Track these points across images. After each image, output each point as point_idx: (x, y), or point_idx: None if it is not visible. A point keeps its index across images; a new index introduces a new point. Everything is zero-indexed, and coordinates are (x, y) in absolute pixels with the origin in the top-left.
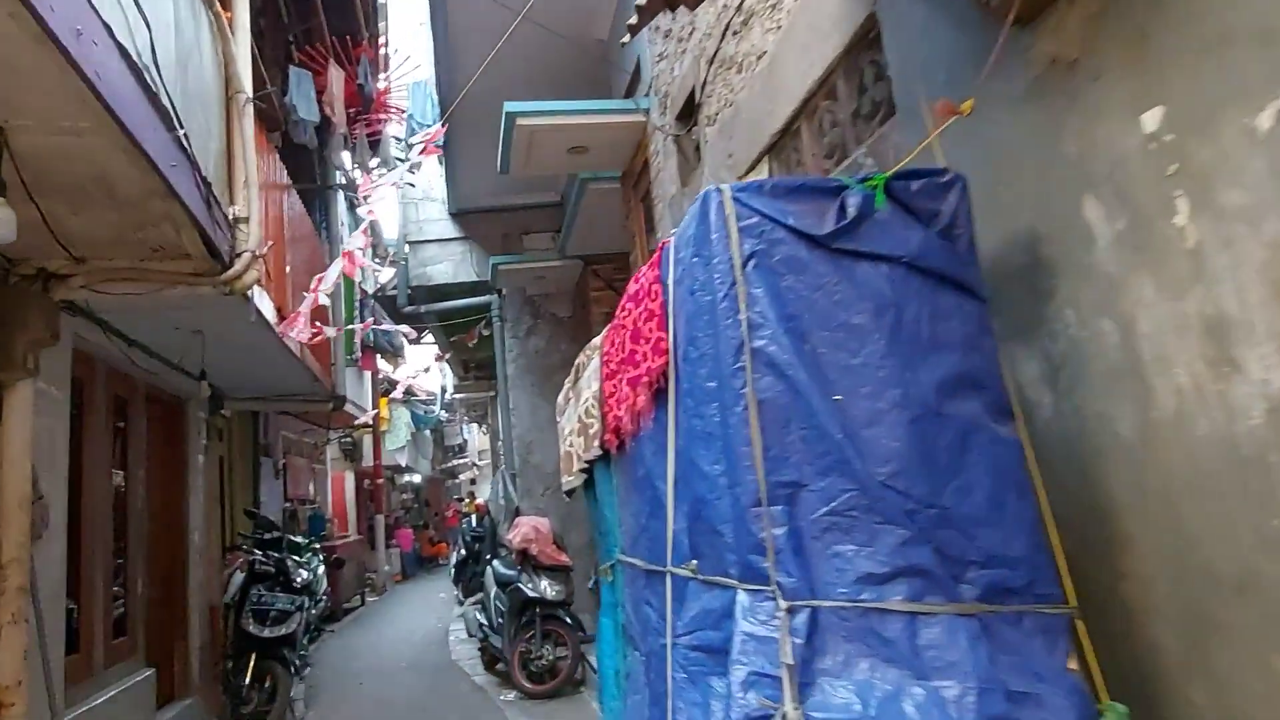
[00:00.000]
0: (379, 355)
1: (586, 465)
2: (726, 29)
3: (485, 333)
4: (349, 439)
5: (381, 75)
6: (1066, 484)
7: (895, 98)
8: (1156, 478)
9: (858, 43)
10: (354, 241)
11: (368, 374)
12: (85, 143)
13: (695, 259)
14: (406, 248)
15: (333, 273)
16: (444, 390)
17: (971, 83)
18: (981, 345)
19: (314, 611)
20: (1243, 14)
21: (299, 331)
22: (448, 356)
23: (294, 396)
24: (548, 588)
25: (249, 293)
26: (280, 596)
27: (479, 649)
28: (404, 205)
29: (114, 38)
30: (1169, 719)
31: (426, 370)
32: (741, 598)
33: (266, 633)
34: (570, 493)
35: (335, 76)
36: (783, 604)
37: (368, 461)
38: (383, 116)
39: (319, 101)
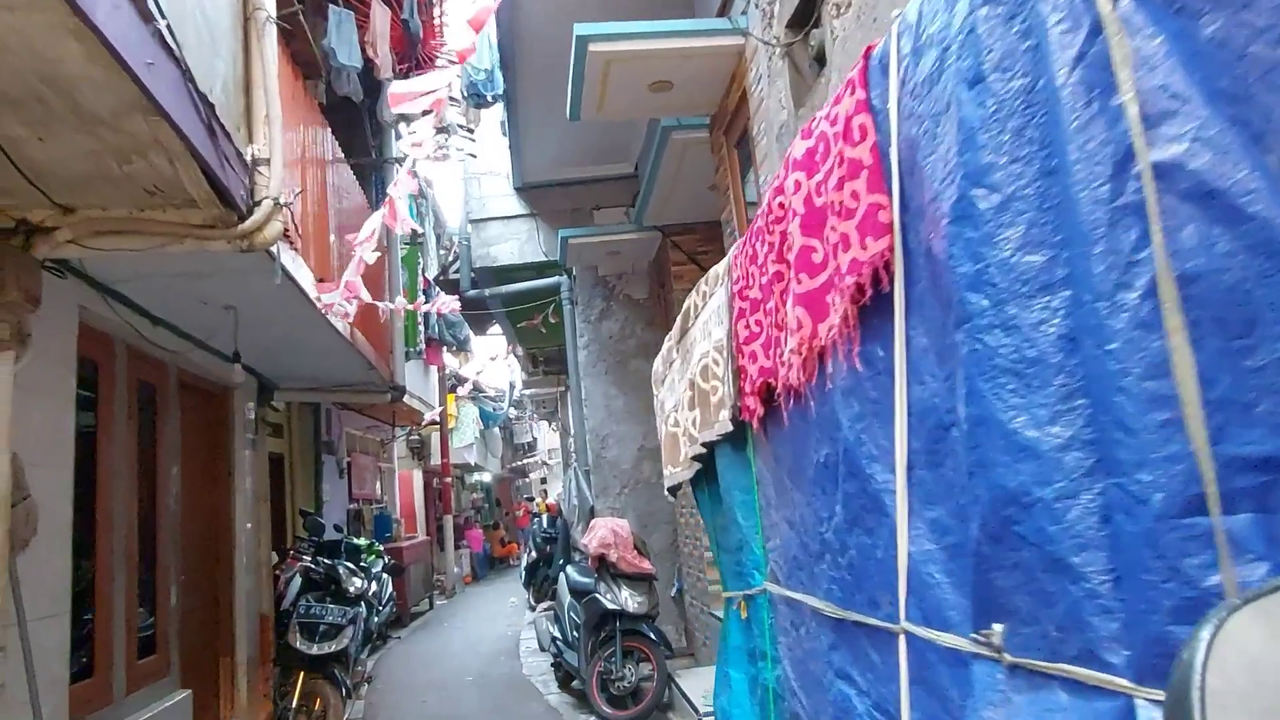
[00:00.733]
0: (444, 349)
1: (702, 450)
2: None
3: (554, 320)
4: (416, 437)
5: (435, 12)
6: None
7: None
8: None
9: None
10: (400, 188)
11: (433, 369)
12: (18, 21)
13: (981, 18)
14: (469, 226)
15: (371, 224)
16: (512, 386)
17: None
18: None
19: (376, 620)
20: None
21: (337, 300)
22: (515, 350)
23: (348, 386)
24: (629, 599)
25: (274, 251)
26: (331, 609)
27: (552, 664)
28: (465, 181)
29: None
30: None
31: (494, 359)
32: None
33: (315, 649)
34: (676, 489)
35: (379, 13)
36: None
37: (435, 460)
38: (437, 53)
39: (361, 45)
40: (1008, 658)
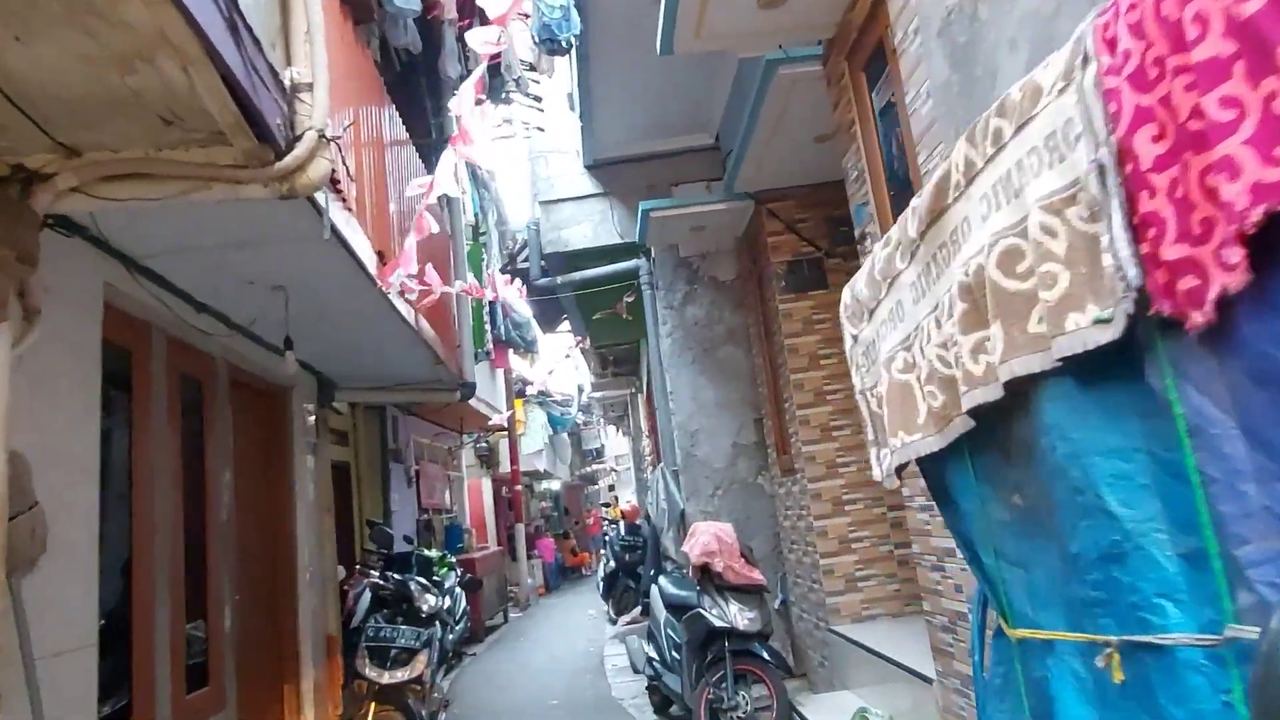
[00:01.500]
0: (511, 351)
1: (995, 394)
2: None
3: (629, 301)
4: (484, 443)
5: None
6: None
7: None
8: None
9: None
10: (463, 99)
11: (500, 373)
12: None
13: None
14: (537, 209)
15: (444, 168)
16: (580, 390)
17: None
18: None
19: (451, 638)
20: None
21: (403, 280)
22: (585, 344)
23: (415, 385)
24: (739, 614)
25: (320, 201)
26: (404, 630)
27: (648, 687)
28: (532, 160)
29: None
30: None
31: (568, 356)
32: None
33: (386, 677)
34: (902, 469)
35: None
36: None
37: (504, 468)
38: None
39: None
40: None
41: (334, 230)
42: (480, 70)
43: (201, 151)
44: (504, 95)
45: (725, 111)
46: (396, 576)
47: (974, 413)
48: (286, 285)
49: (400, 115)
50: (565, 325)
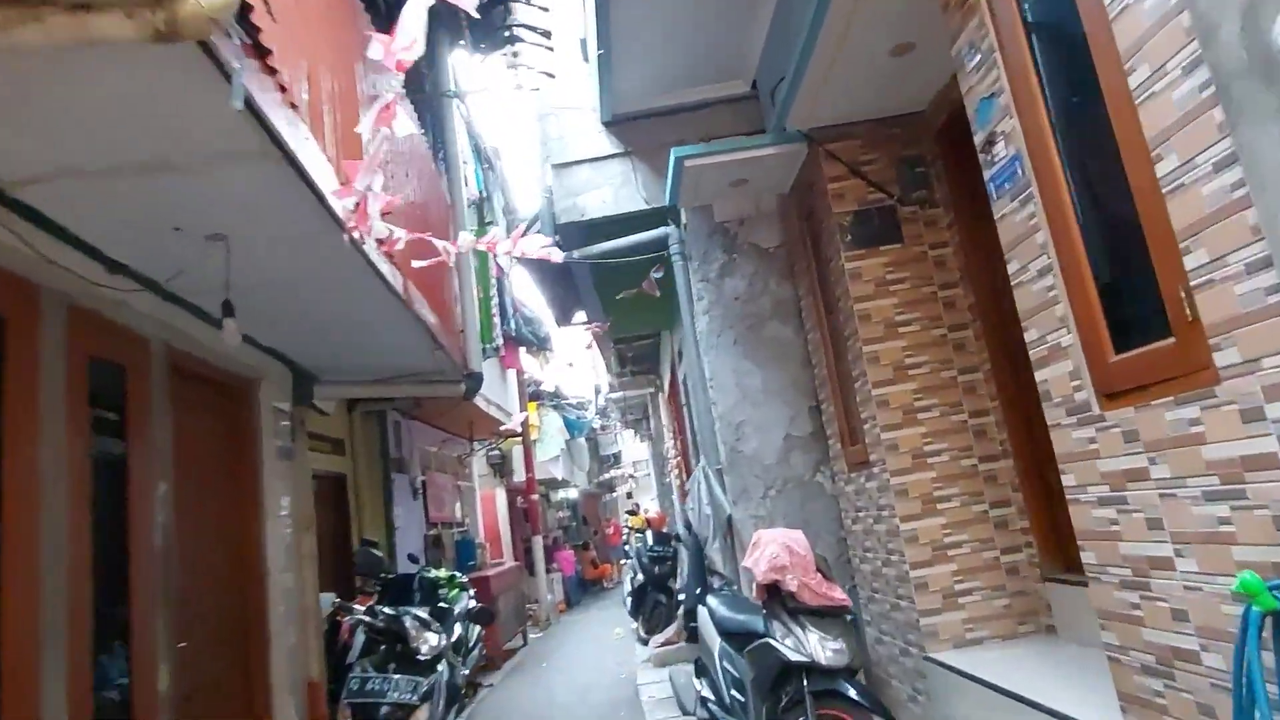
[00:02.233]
0: (522, 349)
1: None
2: None
3: (657, 277)
4: (496, 451)
5: None
6: None
7: None
8: None
9: None
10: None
11: (512, 374)
12: None
13: None
14: (549, 174)
15: (413, 13)
16: (597, 391)
17: None
18: None
19: (463, 672)
20: None
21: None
22: (604, 329)
23: (412, 376)
24: (821, 645)
25: (225, 57)
26: (397, 681)
27: None
28: (541, 119)
29: None
30: None
31: (590, 346)
32: None
33: None
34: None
35: None
36: None
37: (519, 477)
38: None
39: None
40: None
41: (275, 139)
42: None
43: None
44: (505, 31)
45: (766, 45)
46: (388, 611)
47: None
48: (226, 233)
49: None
50: (581, 318)
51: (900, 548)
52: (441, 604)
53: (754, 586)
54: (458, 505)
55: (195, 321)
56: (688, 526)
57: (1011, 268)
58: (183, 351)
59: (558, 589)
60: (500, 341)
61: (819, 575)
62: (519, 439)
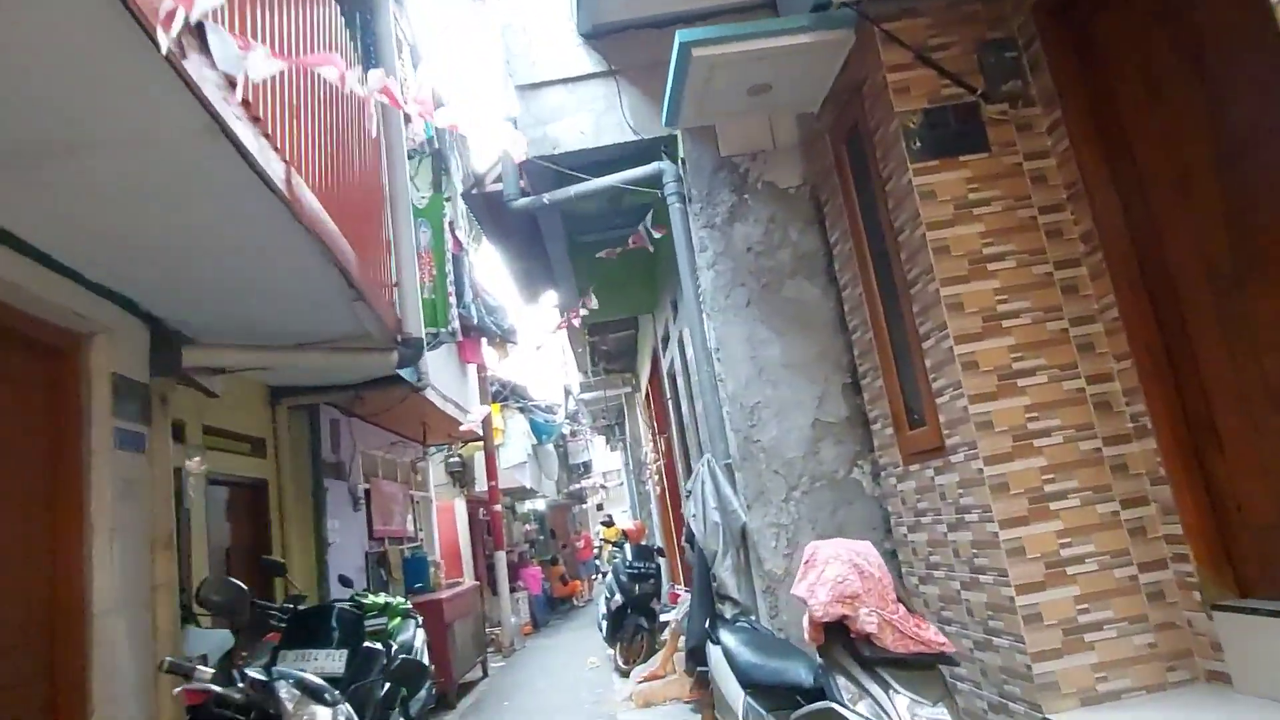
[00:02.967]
0: (484, 341)
1: None
2: None
3: (649, 230)
4: (456, 458)
5: None
6: None
7: None
8: None
9: None
10: None
11: (472, 370)
12: None
13: None
14: (514, 97)
15: None
16: (567, 393)
17: None
18: None
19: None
20: None
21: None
22: (580, 310)
23: (325, 341)
24: (912, 715)
25: None
26: None
27: None
28: (504, 32)
29: None
30: None
31: (560, 327)
32: None
33: None
34: None
35: None
36: None
37: (481, 486)
38: None
39: None
40: None
41: None
42: None
43: None
44: None
45: None
46: (255, 675)
47: None
48: None
49: None
50: (552, 299)
51: (998, 563)
52: (371, 643)
53: (806, 623)
54: (409, 517)
55: None
56: (690, 540)
57: None
58: None
59: (524, 609)
60: (456, 325)
61: (902, 607)
62: (480, 443)
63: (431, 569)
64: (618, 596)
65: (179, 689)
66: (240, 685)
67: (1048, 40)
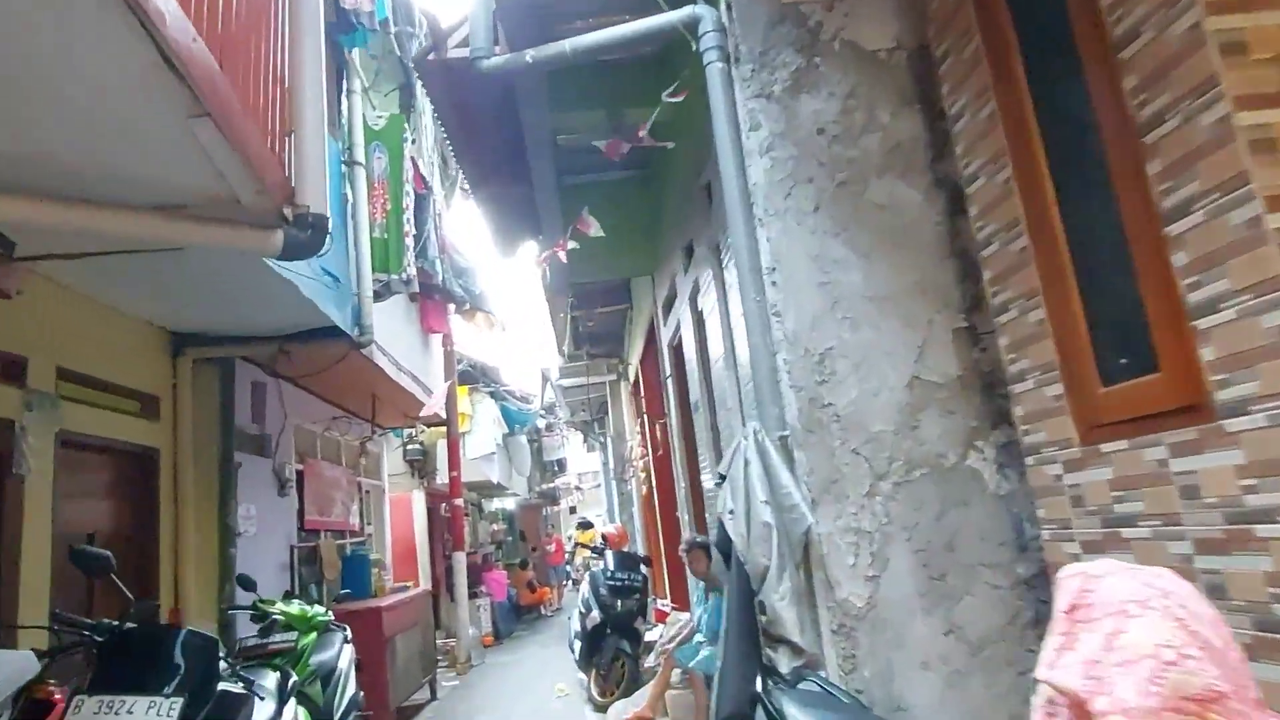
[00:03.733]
0: (450, 308)
1: None
2: None
3: (674, 99)
4: (416, 444)
5: None
6: None
7: None
8: None
9: None
10: None
11: (435, 341)
12: None
13: None
14: None
15: None
16: (545, 380)
17: None
18: None
19: None
20: None
21: None
22: (570, 247)
23: (157, 201)
24: None
25: None
26: None
27: None
28: None
29: None
30: None
31: (541, 262)
32: None
33: None
34: None
35: None
36: None
37: (443, 479)
38: None
39: None
40: None
41: None
42: None
43: None
44: None
45: None
46: None
47: None
48: None
49: None
50: (532, 250)
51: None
52: (233, 685)
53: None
54: (354, 508)
55: None
56: (723, 549)
57: None
58: None
59: (485, 618)
60: (412, 274)
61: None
62: (443, 429)
63: (374, 572)
64: (595, 612)
65: None
66: None
67: None
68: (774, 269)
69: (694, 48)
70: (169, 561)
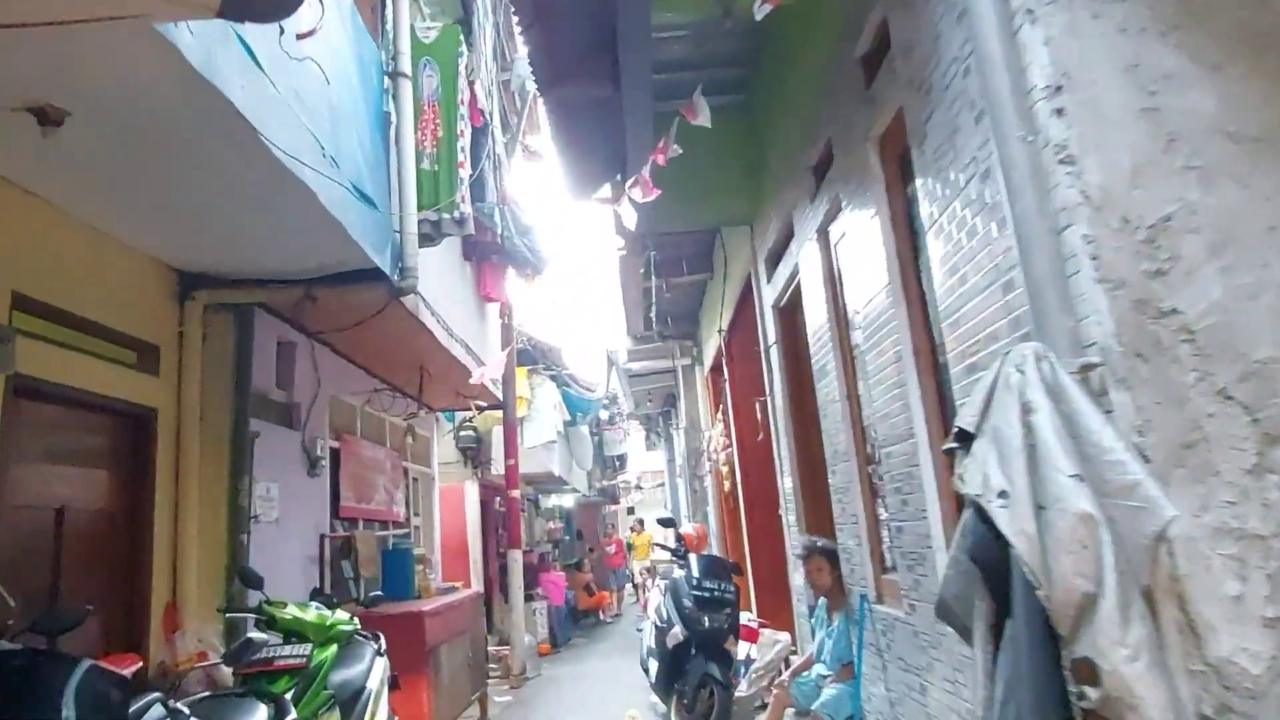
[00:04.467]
0: (509, 271)
1: None
2: None
3: None
4: (470, 429)
5: None
6: None
7: None
8: None
9: None
10: None
11: (491, 311)
12: None
13: None
14: None
15: None
16: (611, 363)
17: None
18: None
19: None
20: None
21: None
22: (666, 148)
23: None
24: None
25: None
26: None
27: None
28: None
29: None
30: None
31: (619, 200)
32: None
33: None
34: None
35: None
36: None
37: (499, 469)
38: None
39: None
40: None
41: None
42: None
43: None
44: None
45: None
46: None
47: None
48: None
49: None
50: (607, 189)
51: None
52: None
53: None
54: (398, 496)
55: None
56: (990, 566)
57: None
58: None
59: (541, 623)
60: (466, 211)
61: None
62: (499, 413)
63: (419, 568)
64: (678, 628)
65: None
66: None
67: None
68: (1058, 88)
69: None
70: (165, 547)
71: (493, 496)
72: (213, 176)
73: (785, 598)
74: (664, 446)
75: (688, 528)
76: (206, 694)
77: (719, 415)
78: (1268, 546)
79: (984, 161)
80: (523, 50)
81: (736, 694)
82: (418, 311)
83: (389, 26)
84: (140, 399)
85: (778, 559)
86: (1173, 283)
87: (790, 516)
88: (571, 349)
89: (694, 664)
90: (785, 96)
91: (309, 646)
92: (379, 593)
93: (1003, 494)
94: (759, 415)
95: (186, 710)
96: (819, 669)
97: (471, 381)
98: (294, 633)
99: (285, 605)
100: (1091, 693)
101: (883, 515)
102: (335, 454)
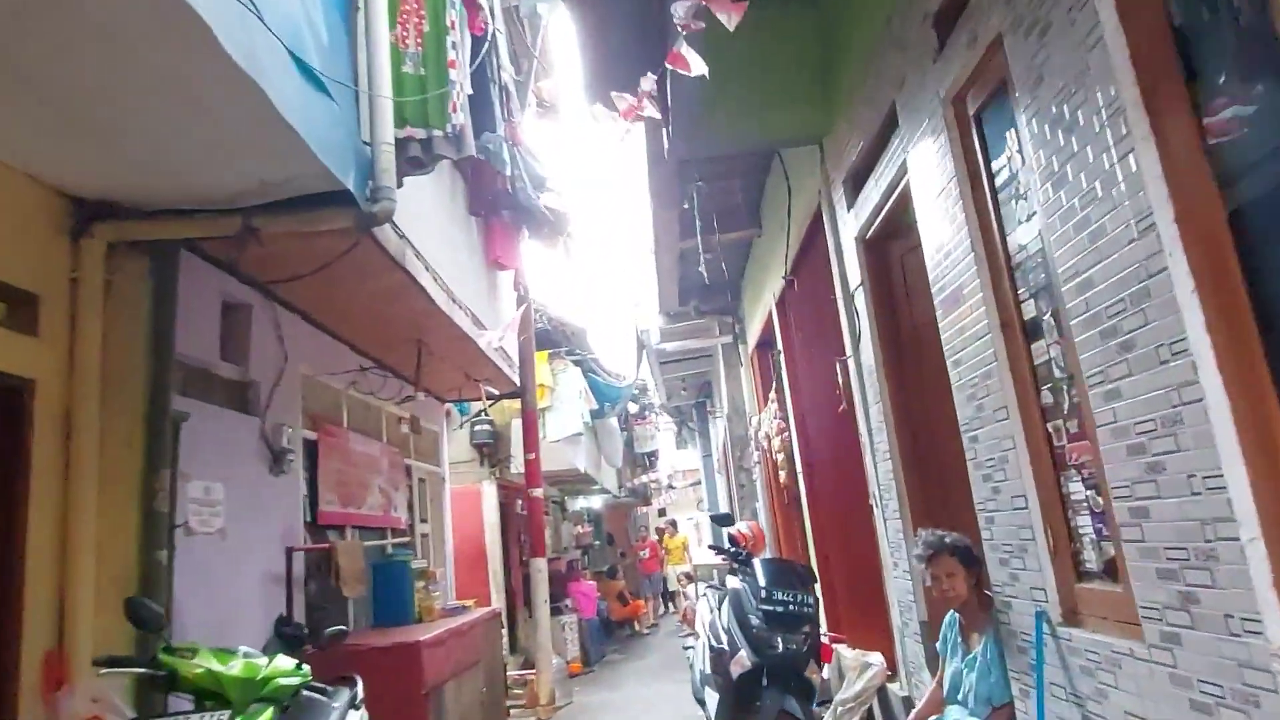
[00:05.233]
0: (522, 232)
1: None
2: None
3: None
4: (486, 424)
5: None
6: None
7: None
8: None
9: None
10: None
11: (503, 281)
12: None
13: None
14: None
15: None
16: (641, 345)
17: None
18: None
19: None
20: None
21: None
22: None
23: None
24: None
25: None
26: None
27: None
28: None
29: None
30: None
31: (633, 118)
32: None
33: None
34: None
35: None
36: None
37: (518, 468)
38: None
39: None
40: None
41: None
42: None
43: None
44: None
45: None
46: None
47: None
48: None
49: None
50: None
51: None
52: None
53: None
54: (398, 499)
55: None
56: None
57: None
58: None
59: (570, 639)
60: (460, 121)
61: None
62: (517, 402)
63: (421, 585)
64: (744, 653)
65: None
66: None
67: None
68: None
69: None
70: (46, 573)
71: (514, 499)
72: (109, 50)
73: (876, 609)
74: (698, 442)
75: (742, 526)
76: None
77: (771, 396)
78: None
79: None
80: None
81: None
82: (404, 259)
83: None
84: (8, 366)
85: (863, 561)
86: None
87: (889, 507)
88: (597, 332)
89: (768, 698)
90: None
91: (226, 715)
92: (341, 627)
93: None
94: (840, 380)
95: None
96: (954, 713)
97: (480, 344)
98: (207, 692)
99: (195, 653)
100: None
101: (1076, 493)
102: (312, 447)
